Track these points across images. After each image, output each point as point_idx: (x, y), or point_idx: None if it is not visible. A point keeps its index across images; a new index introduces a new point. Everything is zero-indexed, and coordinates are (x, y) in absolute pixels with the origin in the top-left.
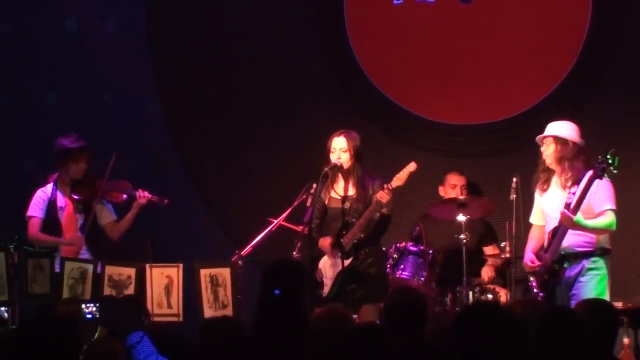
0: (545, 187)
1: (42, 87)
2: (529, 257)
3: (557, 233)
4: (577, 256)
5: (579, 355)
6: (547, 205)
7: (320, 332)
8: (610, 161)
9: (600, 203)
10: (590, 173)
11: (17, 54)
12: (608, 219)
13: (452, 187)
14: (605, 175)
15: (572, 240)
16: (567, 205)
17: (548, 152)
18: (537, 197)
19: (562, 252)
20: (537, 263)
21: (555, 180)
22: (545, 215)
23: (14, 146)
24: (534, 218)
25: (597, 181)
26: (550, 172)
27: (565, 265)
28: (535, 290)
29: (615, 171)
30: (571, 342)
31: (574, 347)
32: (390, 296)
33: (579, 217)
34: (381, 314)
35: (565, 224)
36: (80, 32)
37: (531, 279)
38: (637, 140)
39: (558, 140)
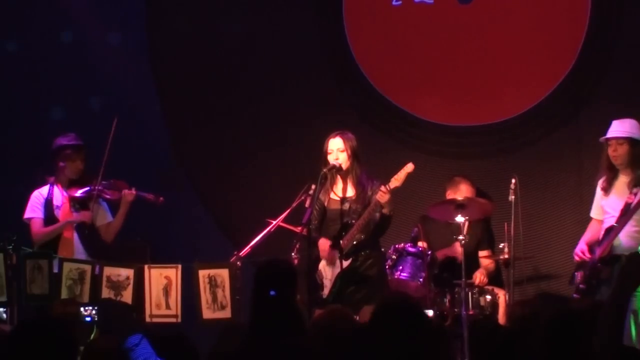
0: (608, 186)
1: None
2: (580, 247)
3: (611, 231)
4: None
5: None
6: (610, 203)
7: (320, 333)
8: None
9: None
10: None
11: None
12: None
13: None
14: None
15: (625, 241)
16: (628, 205)
17: (619, 152)
18: (599, 194)
19: (617, 252)
20: (588, 256)
21: (622, 180)
22: (604, 212)
23: (16, 152)
24: (594, 212)
25: None
26: (614, 171)
27: (616, 265)
28: (578, 283)
29: None
30: (576, 341)
31: (579, 346)
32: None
33: None
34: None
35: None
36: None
37: (577, 273)
38: None
39: (632, 141)
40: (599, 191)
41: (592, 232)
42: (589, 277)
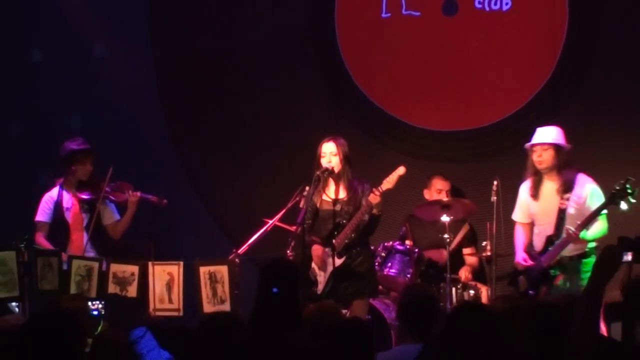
0: (536, 192)
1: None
2: (522, 256)
3: (558, 242)
4: (571, 259)
5: (562, 346)
6: (541, 209)
7: (310, 326)
8: (630, 190)
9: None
10: (599, 195)
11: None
12: (603, 225)
13: (438, 191)
14: (622, 202)
15: (570, 246)
16: (562, 212)
17: (544, 157)
18: (526, 198)
19: (558, 258)
20: (530, 263)
21: (549, 186)
22: (534, 217)
23: (30, 159)
24: (520, 216)
25: (592, 190)
26: (540, 177)
27: (559, 271)
28: (524, 287)
29: (633, 200)
30: (555, 333)
31: (557, 338)
32: (404, 294)
33: (584, 234)
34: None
35: (571, 241)
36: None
37: (519, 278)
38: (612, 144)
39: (556, 147)
40: (525, 196)
41: (524, 237)
42: (535, 281)
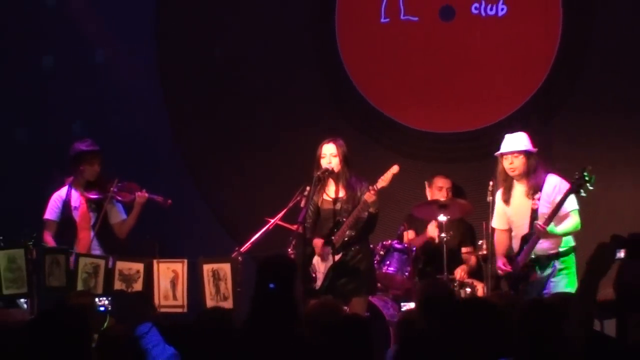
0: (508, 197)
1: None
2: (502, 261)
3: (530, 240)
4: (548, 258)
5: (556, 343)
6: (514, 213)
7: (312, 321)
8: (587, 178)
9: (566, 205)
10: (565, 188)
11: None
12: (575, 220)
13: (439, 189)
14: (582, 190)
15: (541, 244)
16: (535, 212)
17: (516, 164)
18: (500, 205)
19: (533, 256)
20: (509, 268)
21: (519, 190)
22: (510, 222)
23: (38, 159)
24: (498, 223)
25: (559, 184)
26: (510, 182)
27: (537, 268)
28: (506, 290)
29: (591, 188)
30: (550, 330)
31: (552, 335)
32: (424, 289)
33: (552, 227)
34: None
35: (540, 236)
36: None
37: (500, 281)
38: (606, 147)
39: (526, 153)
40: (500, 203)
41: (503, 244)
42: (515, 283)
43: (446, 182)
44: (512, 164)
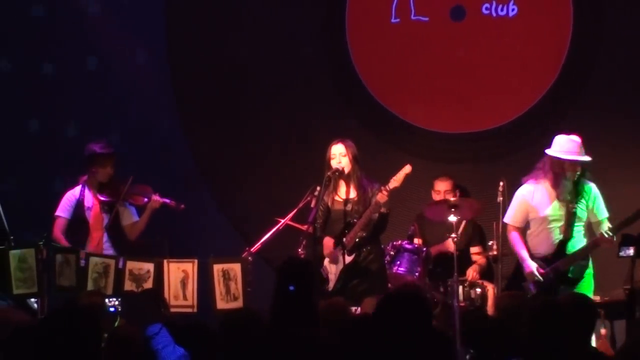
0: (555, 194)
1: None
2: (534, 265)
3: (585, 245)
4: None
5: (563, 343)
6: (552, 213)
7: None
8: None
9: (601, 212)
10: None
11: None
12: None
13: (437, 193)
14: None
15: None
16: (573, 214)
17: (578, 169)
18: (526, 201)
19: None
20: (547, 269)
21: (564, 189)
22: (542, 221)
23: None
24: (515, 219)
25: (594, 191)
26: (559, 181)
27: (571, 269)
28: (532, 291)
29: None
30: (558, 331)
31: (560, 335)
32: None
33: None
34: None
35: (606, 246)
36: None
37: (531, 284)
38: (617, 147)
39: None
40: (529, 198)
41: (522, 242)
42: (548, 284)
43: (445, 184)
44: (575, 169)
